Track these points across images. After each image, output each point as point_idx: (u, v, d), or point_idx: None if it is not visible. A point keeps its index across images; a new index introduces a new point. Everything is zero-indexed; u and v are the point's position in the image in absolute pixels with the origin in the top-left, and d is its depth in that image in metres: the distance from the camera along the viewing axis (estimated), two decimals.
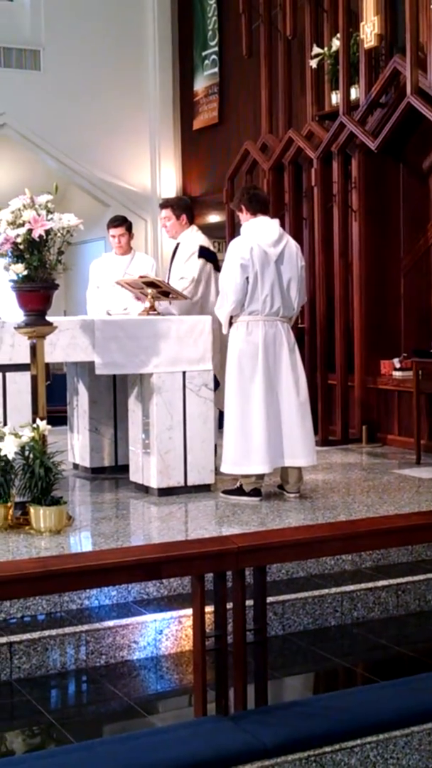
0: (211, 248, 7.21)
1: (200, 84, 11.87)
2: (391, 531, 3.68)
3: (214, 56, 11.63)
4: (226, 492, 6.43)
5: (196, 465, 6.53)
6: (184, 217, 7.18)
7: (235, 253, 6.23)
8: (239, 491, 6.36)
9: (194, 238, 7.16)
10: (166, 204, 7.37)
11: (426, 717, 3.67)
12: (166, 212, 7.22)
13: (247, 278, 6.18)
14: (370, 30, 8.32)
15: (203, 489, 6.56)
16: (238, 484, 6.39)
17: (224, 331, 6.41)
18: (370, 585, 4.99)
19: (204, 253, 7.05)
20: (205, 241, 7.18)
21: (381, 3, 8.28)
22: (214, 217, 11.39)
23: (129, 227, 7.96)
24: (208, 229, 7.52)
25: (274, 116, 9.78)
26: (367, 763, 3.52)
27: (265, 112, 9.82)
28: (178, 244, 7.21)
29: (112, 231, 7.88)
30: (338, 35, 8.72)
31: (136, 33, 12.12)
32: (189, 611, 4.55)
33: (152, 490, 6.51)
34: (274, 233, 6.28)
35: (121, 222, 7.95)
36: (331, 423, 8.85)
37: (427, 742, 3.62)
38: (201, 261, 7.00)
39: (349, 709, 3.71)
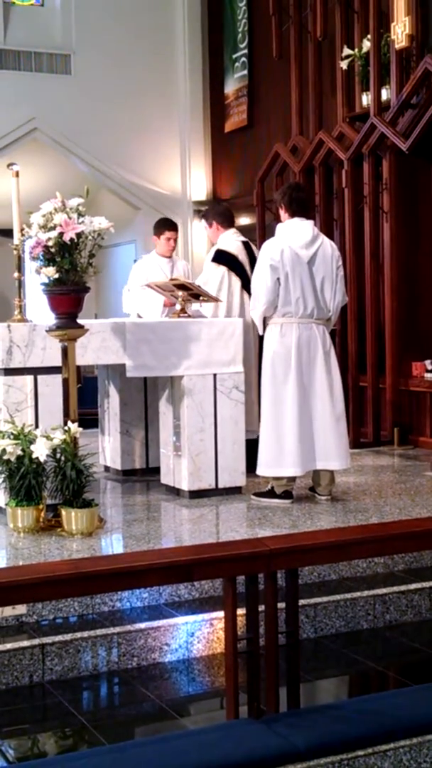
0: (233, 251, 7.22)
1: (230, 86, 11.88)
2: (423, 534, 3.65)
3: (244, 58, 11.64)
4: (257, 494, 6.42)
5: (227, 467, 6.52)
6: (214, 223, 7.33)
7: (265, 254, 6.24)
8: (270, 494, 6.35)
9: (221, 241, 7.25)
10: (201, 217, 7.62)
11: None
12: (203, 224, 7.61)
13: (278, 280, 6.18)
14: (401, 30, 8.28)
15: (234, 491, 6.55)
16: (269, 487, 6.38)
17: (259, 332, 6.41)
18: (403, 588, 4.96)
19: (219, 256, 7.09)
20: (230, 245, 7.20)
21: (412, 3, 8.24)
22: (244, 220, 11.38)
23: None
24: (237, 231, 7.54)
25: (304, 118, 9.76)
26: (400, 766, 3.49)
27: (296, 113, 9.81)
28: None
29: (169, 234, 7.93)
30: (369, 36, 8.69)
31: (167, 36, 12.15)
32: (220, 614, 4.55)
33: (183, 493, 6.51)
34: (307, 235, 6.26)
35: (176, 225, 8.10)
36: (362, 425, 8.81)
37: None
38: (213, 265, 7.06)
39: (382, 712, 3.69)
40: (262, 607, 3.58)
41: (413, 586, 4.99)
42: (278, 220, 6.54)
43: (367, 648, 4.68)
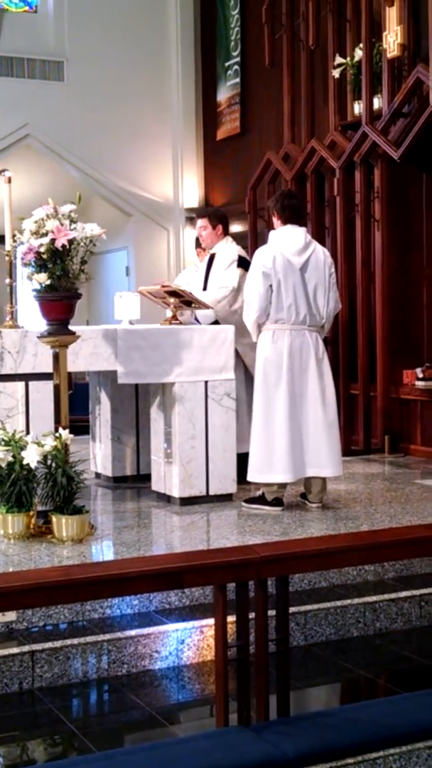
0: (248, 258, 7.23)
1: (223, 94, 11.90)
2: (414, 542, 3.66)
3: (236, 66, 11.66)
4: (247, 501, 6.42)
5: (218, 474, 6.53)
6: (220, 227, 7.28)
7: (258, 261, 6.26)
8: (261, 500, 6.35)
9: (230, 248, 7.25)
10: (204, 213, 7.52)
11: None
12: (203, 221, 7.35)
13: (271, 286, 6.20)
14: (393, 40, 8.31)
15: (225, 498, 6.56)
16: (260, 493, 6.39)
17: (253, 339, 6.42)
18: (393, 596, 4.96)
19: (243, 262, 7.09)
20: (242, 252, 7.23)
21: (404, 13, 8.27)
22: (236, 227, 11.38)
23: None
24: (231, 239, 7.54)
25: (296, 126, 9.79)
26: None
27: (288, 122, 9.84)
28: (212, 255, 7.26)
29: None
30: (361, 45, 8.72)
31: (159, 44, 12.17)
32: (210, 621, 4.55)
33: (174, 500, 6.51)
34: (299, 242, 6.29)
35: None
36: (353, 433, 8.82)
37: None
38: (240, 270, 7.02)
39: (372, 720, 3.69)
40: (251, 615, 3.58)
41: (403, 593, 4.99)
42: (270, 227, 6.56)
43: (357, 656, 4.68)
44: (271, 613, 3.63)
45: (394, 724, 3.65)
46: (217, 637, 3.60)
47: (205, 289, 7.17)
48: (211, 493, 6.52)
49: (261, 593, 3.61)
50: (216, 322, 6.95)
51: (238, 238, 9.04)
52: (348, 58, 8.99)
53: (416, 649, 4.76)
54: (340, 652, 4.69)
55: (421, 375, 8.53)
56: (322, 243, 9.04)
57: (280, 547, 3.77)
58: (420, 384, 8.49)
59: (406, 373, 8.67)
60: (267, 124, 10.82)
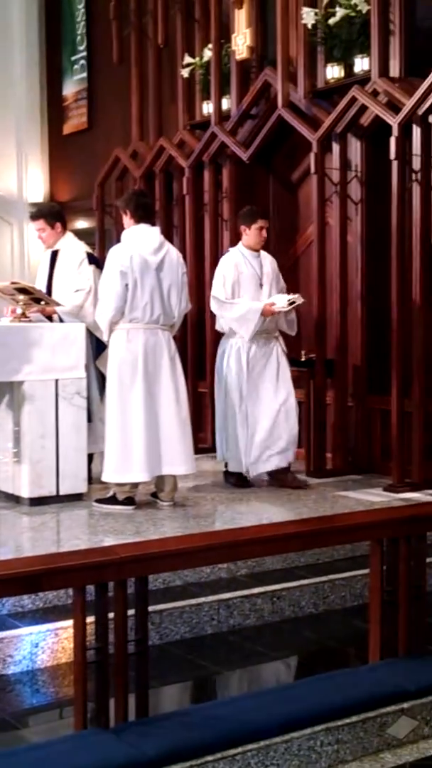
0: (95, 255, 7.15)
1: (69, 89, 11.78)
2: (271, 539, 3.72)
3: (83, 61, 11.56)
4: (99, 501, 6.38)
5: (68, 474, 6.45)
6: (58, 225, 7.10)
7: (114, 260, 6.22)
8: (112, 500, 6.32)
9: (76, 245, 7.11)
10: (38, 215, 7.15)
11: (304, 723, 3.73)
12: (40, 224, 7.08)
13: (127, 285, 6.18)
14: (242, 42, 8.41)
15: (76, 498, 6.49)
16: (111, 493, 6.35)
17: (105, 338, 6.37)
18: (246, 592, 5.02)
19: (92, 259, 7.01)
20: (87, 248, 7.14)
21: (252, 16, 8.38)
22: (82, 223, 11.29)
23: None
24: (76, 235, 7.44)
25: (144, 124, 9.79)
26: None
27: (136, 119, 9.82)
28: (55, 252, 7.11)
29: (262, 223, 7.11)
30: (210, 46, 8.79)
31: (2, 35, 11.92)
32: (65, 623, 4.51)
33: (23, 500, 6.40)
34: (154, 241, 6.30)
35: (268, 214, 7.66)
36: (200, 431, 8.88)
37: (306, 748, 3.68)
38: (92, 267, 6.94)
39: (229, 717, 3.73)
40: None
41: (256, 590, 5.06)
42: (118, 225, 6.54)
43: (211, 653, 4.72)
44: (128, 613, 3.63)
45: (251, 721, 3.71)
46: (76, 640, 3.57)
47: (50, 285, 7.03)
48: (62, 492, 6.44)
49: (121, 594, 3.60)
50: None
51: (83, 234, 8.98)
52: (197, 58, 9.04)
53: (268, 644, 4.83)
54: (194, 650, 4.72)
55: None
56: (171, 242, 9.04)
57: (141, 548, 3.77)
58: None
59: None
60: (114, 121, 10.77)
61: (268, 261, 7.21)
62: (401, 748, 3.85)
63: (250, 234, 7.09)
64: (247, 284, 7.02)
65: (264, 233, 7.13)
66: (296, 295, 6.94)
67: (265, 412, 6.95)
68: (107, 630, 3.61)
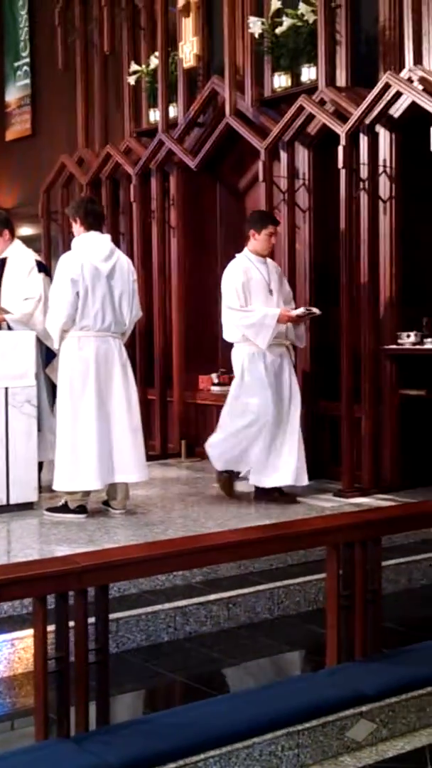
0: (44, 262, 7.11)
1: (12, 95, 11.72)
2: (235, 545, 3.73)
3: (26, 67, 11.51)
4: (50, 510, 6.34)
5: (18, 482, 6.39)
6: (6, 232, 7.05)
7: (65, 268, 6.20)
8: (64, 508, 6.29)
9: (25, 252, 7.06)
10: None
11: (265, 728, 3.74)
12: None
13: (78, 293, 6.16)
14: (188, 50, 8.44)
15: (26, 507, 6.44)
16: (62, 501, 6.32)
17: (55, 346, 6.34)
18: (202, 599, 5.03)
19: (41, 267, 6.96)
20: (36, 256, 7.10)
21: (199, 25, 8.42)
22: (26, 230, 11.23)
23: None
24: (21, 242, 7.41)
25: (90, 131, 9.77)
26: None
27: (82, 126, 9.81)
28: (3, 260, 7.06)
29: (272, 228, 6.88)
30: (156, 53, 8.81)
31: None
32: (21, 633, 4.48)
33: None
34: (105, 249, 6.29)
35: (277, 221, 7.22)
36: (150, 438, 8.86)
37: (268, 753, 3.70)
38: (41, 275, 6.89)
39: (190, 724, 3.74)
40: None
41: (212, 596, 5.07)
42: (65, 232, 6.51)
43: (168, 660, 4.71)
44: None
45: (211, 727, 3.72)
46: (36, 650, 3.54)
47: None
48: (12, 502, 6.39)
49: (81, 603, 3.58)
50: None
51: (27, 241, 8.91)
52: (143, 66, 9.06)
53: (224, 650, 4.85)
54: (151, 658, 4.71)
55: (216, 380, 8.70)
56: (118, 248, 9.07)
57: (102, 556, 3.75)
58: (215, 389, 8.65)
59: (202, 378, 8.82)
60: (59, 127, 10.74)
61: (273, 267, 6.95)
62: (360, 751, 3.88)
63: (260, 239, 6.79)
64: (257, 290, 6.76)
65: (273, 239, 6.89)
66: (314, 309, 6.86)
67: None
68: (68, 639, 3.59)
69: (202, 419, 8.79)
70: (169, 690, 4.55)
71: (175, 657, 4.76)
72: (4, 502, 6.37)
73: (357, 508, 6.49)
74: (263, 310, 6.66)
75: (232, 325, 6.77)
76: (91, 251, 6.25)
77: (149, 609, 4.88)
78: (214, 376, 8.73)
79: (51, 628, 3.57)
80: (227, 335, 6.89)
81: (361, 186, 7.04)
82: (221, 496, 6.99)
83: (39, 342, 6.65)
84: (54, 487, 6.28)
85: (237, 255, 6.96)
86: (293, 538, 4.13)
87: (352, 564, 4.21)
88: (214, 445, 6.93)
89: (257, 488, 6.84)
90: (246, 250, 6.88)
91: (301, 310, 6.80)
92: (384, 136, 7.01)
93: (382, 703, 3.98)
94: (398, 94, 6.76)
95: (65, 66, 9.90)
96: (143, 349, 8.93)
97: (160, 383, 8.84)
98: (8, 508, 6.38)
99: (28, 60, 11.44)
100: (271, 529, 4.32)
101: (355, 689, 4.01)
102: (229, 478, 7.01)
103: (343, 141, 7.03)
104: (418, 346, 6.94)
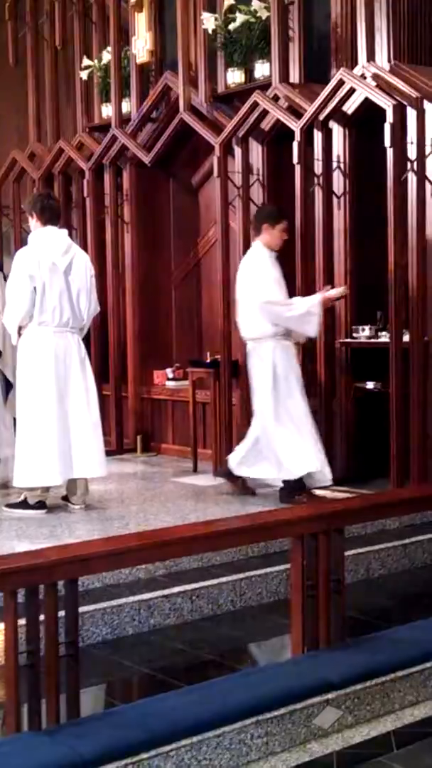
0: None
1: None
2: (202, 537, 3.77)
3: None
4: (9, 506, 6.33)
5: None
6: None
7: (22, 263, 6.19)
8: (23, 504, 6.28)
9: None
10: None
11: (234, 717, 3.80)
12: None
13: (35, 288, 6.15)
14: (142, 45, 8.45)
15: None
16: (22, 497, 6.31)
17: (14, 342, 6.32)
18: (166, 592, 5.06)
19: None
20: None
21: (152, 20, 8.43)
22: None
23: None
24: None
25: (42, 125, 9.73)
26: (182, 765, 3.60)
27: (33, 120, 9.77)
28: None
29: (285, 224, 6.72)
30: (108, 48, 8.80)
31: None
32: None
33: None
34: (62, 244, 6.28)
35: None
36: (106, 433, 8.76)
37: (237, 741, 3.75)
38: None
39: (161, 714, 3.78)
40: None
41: (176, 589, 5.10)
42: (18, 227, 6.48)
43: (133, 653, 4.74)
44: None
45: (181, 717, 3.76)
46: (7, 644, 3.56)
47: None
48: None
49: (52, 597, 3.60)
50: None
51: None
52: (95, 61, 9.04)
53: (188, 641, 4.88)
54: (116, 651, 4.73)
55: (171, 375, 8.73)
56: None
57: (71, 550, 3.77)
58: (170, 384, 8.69)
59: (157, 373, 8.85)
60: (10, 122, 10.65)
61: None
62: (327, 738, 3.95)
63: (274, 233, 6.61)
64: (280, 284, 6.61)
65: (285, 235, 6.72)
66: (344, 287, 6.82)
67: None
68: (38, 633, 3.61)
69: (158, 414, 8.82)
70: (136, 682, 4.58)
71: (140, 649, 4.79)
72: None
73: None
74: (306, 300, 6.55)
75: (269, 319, 6.47)
76: (48, 246, 6.24)
77: (114, 603, 4.91)
78: (168, 371, 8.76)
79: (21, 622, 3.60)
80: (254, 331, 6.56)
81: (316, 181, 7.11)
82: (180, 489, 7.02)
83: None
84: (14, 483, 6.27)
85: (252, 249, 6.75)
86: (260, 529, 4.19)
87: (316, 554, 4.27)
88: (287, 461, 6.47)
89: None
90: (259, 243, 6.69)
91: (341, 290, 6.74)
92: (338, 132, 7.09)
93: (347, 690, 4.06)
94: (352, 91, 6.85)
95: (15, 60, 9.85)
96: (98, 345, 8.91)
97: (114, 378, 8.84)
98: None
99: None
100: (238, 521, 4.37)
101: (320, 677, 4.08)
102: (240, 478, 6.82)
103: (297, 137, 7.10)
104: (372, 340, 7.04)
